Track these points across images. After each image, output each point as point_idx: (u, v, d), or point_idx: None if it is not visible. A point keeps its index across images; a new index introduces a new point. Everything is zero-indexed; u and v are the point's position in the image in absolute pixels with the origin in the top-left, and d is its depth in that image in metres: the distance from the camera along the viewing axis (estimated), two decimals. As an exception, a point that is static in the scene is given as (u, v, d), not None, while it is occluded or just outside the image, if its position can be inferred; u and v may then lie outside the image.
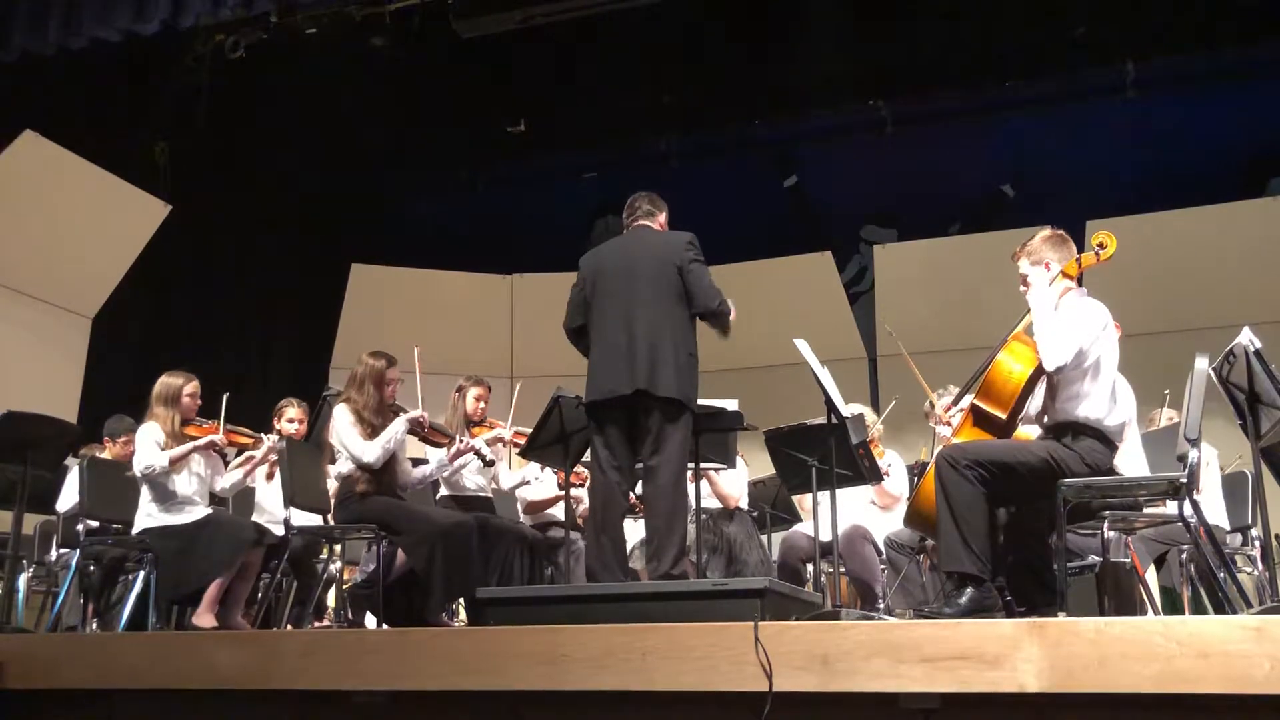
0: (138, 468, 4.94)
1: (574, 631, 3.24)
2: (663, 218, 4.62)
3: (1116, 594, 4.19)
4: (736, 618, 3.14)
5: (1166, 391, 5.66)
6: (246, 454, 5.42)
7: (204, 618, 4.80)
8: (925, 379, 5.57)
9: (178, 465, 4.99)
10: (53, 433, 5.15)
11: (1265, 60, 8.48)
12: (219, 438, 5.09)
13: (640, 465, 4.30)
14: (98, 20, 6.80)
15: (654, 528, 4.20)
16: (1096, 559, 4.35)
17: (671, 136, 10.02)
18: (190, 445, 5.02)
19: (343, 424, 4.96)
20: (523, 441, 5.19)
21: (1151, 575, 5.15)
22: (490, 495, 5.69)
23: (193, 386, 5.17)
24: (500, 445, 5.58)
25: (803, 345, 4.37)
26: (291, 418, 5.84)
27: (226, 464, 5.31)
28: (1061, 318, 3.84)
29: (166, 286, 8.74)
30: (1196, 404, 3.63)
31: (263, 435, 5.44)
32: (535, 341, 9.83)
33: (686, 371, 4.26)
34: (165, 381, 5.15)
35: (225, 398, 5.19)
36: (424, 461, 5.50)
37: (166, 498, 4.98)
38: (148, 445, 4.96)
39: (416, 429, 5.10)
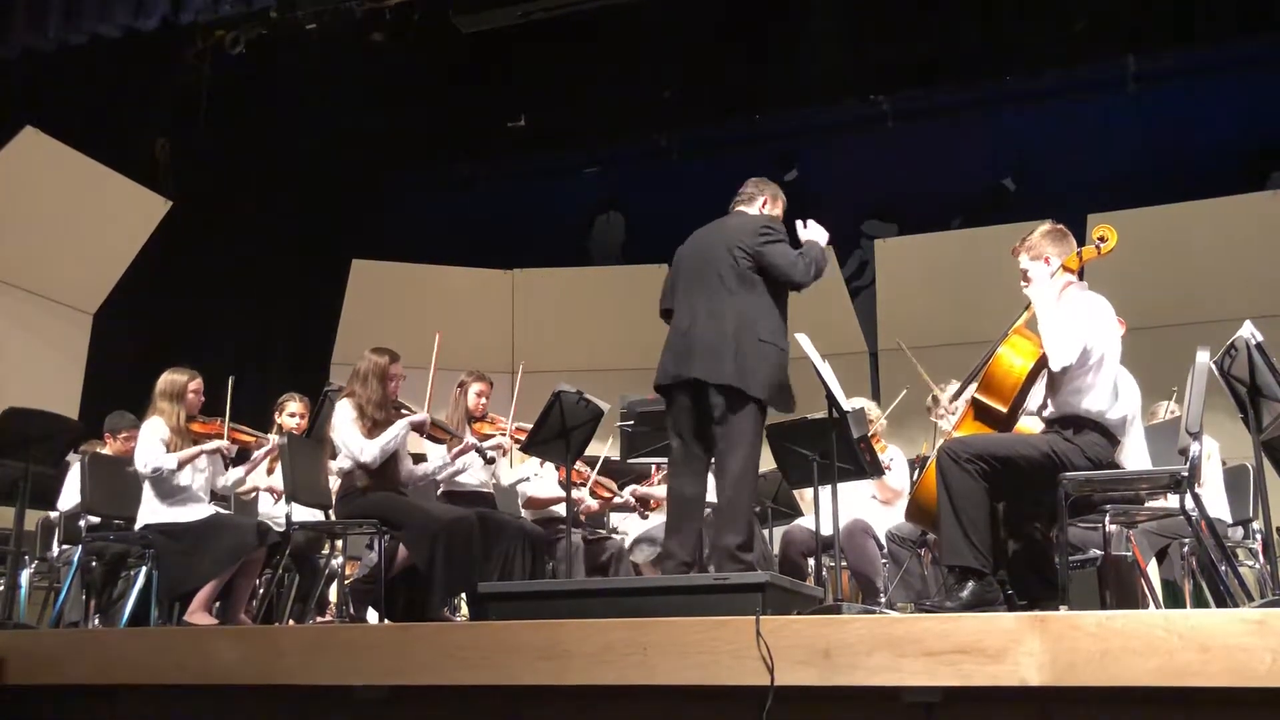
0: (140, 465, 4.94)
1: (575, 626, 3.24)
2: (761, 200, 4.47)
3: (1118, 587, 4.20)
4: (738, 612, 3.14)
5: (1174, 389, 5.64)
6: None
7: (198, 615, 4.80)
8: (927, 374, 5.57)
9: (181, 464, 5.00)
10: (54, 429, 5.15)
11: (1266, 54, 8.47)
12: (224, 443, 5.09)
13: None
14: (98, 16, 6.81)
15: (720, 516, 4.13)
16: (1098, 552, 4.35)
17: (672, 131, 10.01)
18: (197, 449, 5.02)
19: (343, 420, 4.96)
20: (523, 437, 5.19)
21: (1153, 569, 5.15)
22: (491, 491, 5.69)
23: (197, 383, 5.18)
24: (500, 450, 5.56)
25: (804, 340, 4.37)
26: (293, 412, 5.84)
27: (228, 465, 5.33)
28: (1064, 313, 3.84)
29: (167, 283, 8.72)
30: (1198, 397, 3.63)
31: (266, 436, 5.44)
32: (537, 337, 9.83)
33: (752, 358, 4.09)
34: (170, 378, 5.14)
35: (231, 380, 5.20)
36: (423, 458, 5.50)
37: (170, 493, 4.98)
38: (152, 443, 4.95)
39: (418, 429, 5.11)
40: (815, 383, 4.42)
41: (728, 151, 10.13)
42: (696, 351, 4.13)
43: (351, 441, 4.92)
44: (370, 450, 4.89)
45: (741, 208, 4.50)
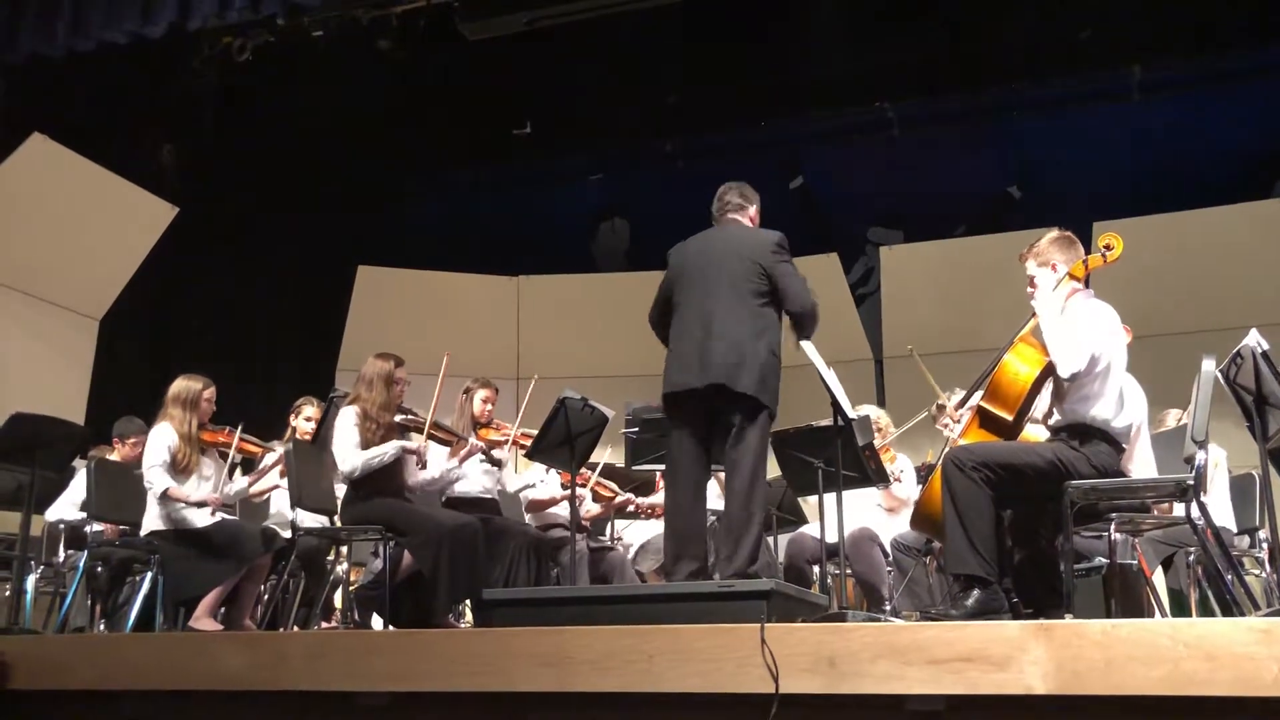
0: (146, 470, 4.93)
1: (579, 633, 3.24)
2: (753, 210, 4.52)
3: (1123, 596, 4.18)
4: (743, 619, 3.14)
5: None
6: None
7: (203, 621, 4.80)
8: (935, 381, 5.56)
9: (188, 470, 5.01)
10: (60, 434, 5.16)
11: (1272, 62, 8.47)
12: (216, 497, 5.03)
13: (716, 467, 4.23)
14: (105, 23, 6.82)
15: (728, 527, 4.10)
16: (1103, 561, 4.34)
17: (676, 138, 10.01)
18: (187, 497, 4.96)
19: (343, 426, 4.96)
20: (528, 443, 5.19)
21: (1159, 577, 5.14)
22: (496, 497, 5.69)
23: (210, 391, 5.18)
24: (501, 460, 5.56)
25: (809, 347, 4.36)
26: (309, 416, 5.82)
27: (233, 474, 5.33)
28: (1070, 321, 3.83)
29: (173, 289, 8.75)
30: (1204, 406, 3.63)
31: (272, 445, 5.45)
32: (541, 343, 9.83)
33: (767, 371, 4.14)
34: (184, 384, 5.14)
35: (240, 427, 5.20)
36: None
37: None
38: (159, 452, 4.95)
39: (410, 453, 5.03)
40: (821, 390, 4.41)
41: (733, 158, 10.12)
42: (716, 360, 4.13)
43: (341, 449, 4.93)
44: (352, 461, 4.89)
45: (733, 215, 4.51)
